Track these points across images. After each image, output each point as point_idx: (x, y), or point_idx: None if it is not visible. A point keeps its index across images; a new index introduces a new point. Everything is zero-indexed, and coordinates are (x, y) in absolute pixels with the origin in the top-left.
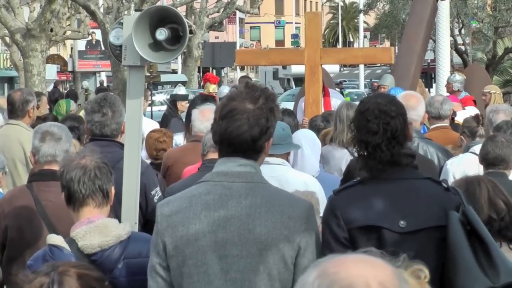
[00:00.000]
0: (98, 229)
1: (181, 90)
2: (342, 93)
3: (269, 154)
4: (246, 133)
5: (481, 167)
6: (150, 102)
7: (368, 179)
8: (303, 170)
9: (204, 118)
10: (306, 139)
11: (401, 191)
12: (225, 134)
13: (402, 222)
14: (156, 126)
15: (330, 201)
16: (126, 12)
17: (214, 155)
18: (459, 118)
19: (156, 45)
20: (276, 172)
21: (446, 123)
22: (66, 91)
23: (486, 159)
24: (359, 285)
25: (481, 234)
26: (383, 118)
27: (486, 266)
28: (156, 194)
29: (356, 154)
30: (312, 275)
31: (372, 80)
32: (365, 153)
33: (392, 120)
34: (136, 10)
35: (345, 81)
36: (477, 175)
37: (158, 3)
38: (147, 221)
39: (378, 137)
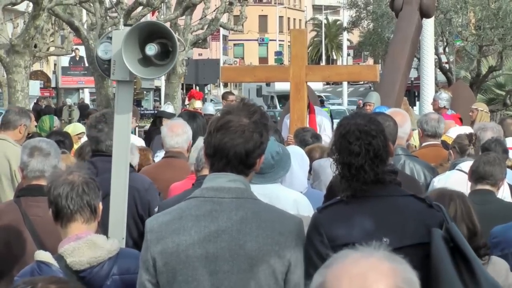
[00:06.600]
0: (86, 245)
1: (169, 108)
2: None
3: (259, 183)
4: (240, 145)
5: (469, 184)
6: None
7: (351, 197)
8: (292, 186)
9: (173, 134)
10: (295, 155)
11: (384, 208)
12: (219, 146)
13: (385, 239)
14: (141, 142)
15: (314, 219)
16: (110, 29)
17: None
18: (452, 135)
19: (146, 60)
20: (266, 189)
21: (438, 141)
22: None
23: (476, 172)
24: None
25: (464, 251)
26: (364, 139)
27: (469, 283)
28: None
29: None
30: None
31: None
32: (348, 175)
33: (373, 140)
34: (125, 25)
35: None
36: (452, 191)
37: (143, 20)
38: None
39: (361, 158)
